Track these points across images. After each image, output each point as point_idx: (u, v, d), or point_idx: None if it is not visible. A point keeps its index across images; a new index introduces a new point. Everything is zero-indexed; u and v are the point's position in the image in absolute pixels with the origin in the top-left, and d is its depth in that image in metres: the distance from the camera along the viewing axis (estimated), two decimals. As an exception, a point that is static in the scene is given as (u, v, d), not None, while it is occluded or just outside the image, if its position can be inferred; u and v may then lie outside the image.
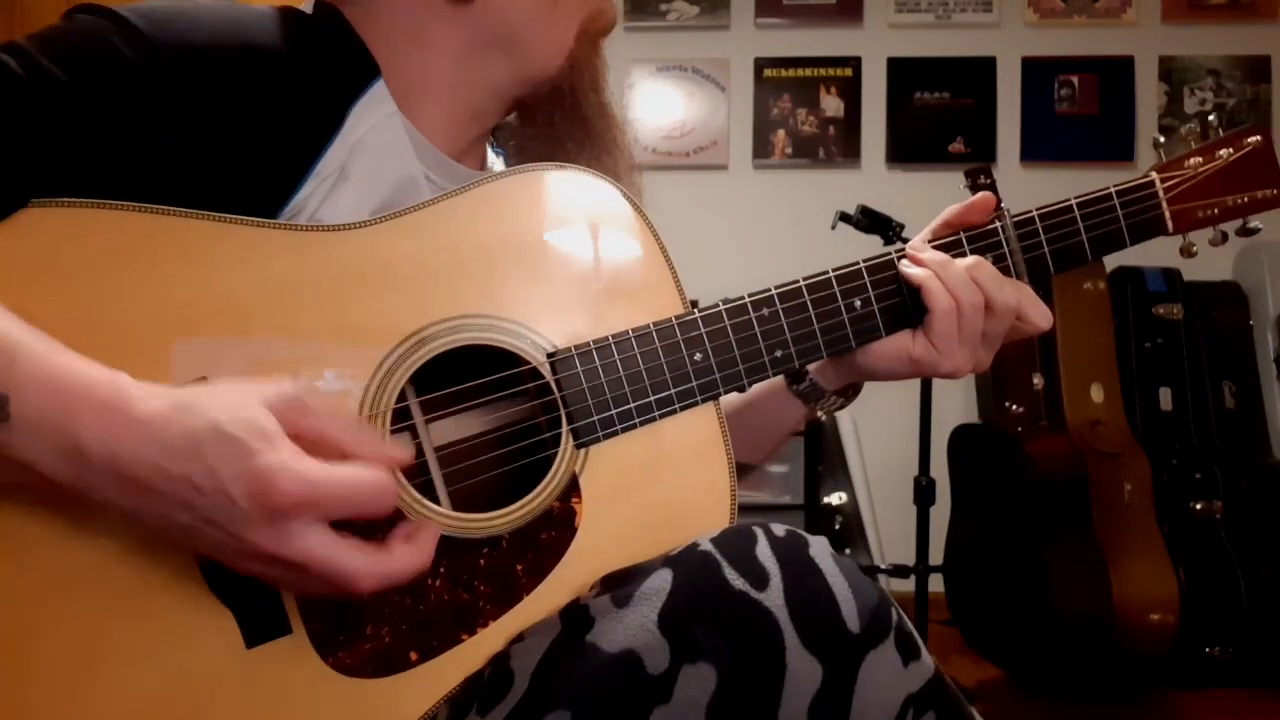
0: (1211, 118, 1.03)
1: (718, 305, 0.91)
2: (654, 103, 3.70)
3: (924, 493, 2.72)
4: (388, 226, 0.84)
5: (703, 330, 0.90)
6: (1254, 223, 1.01)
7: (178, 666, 0.75)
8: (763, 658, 0.73)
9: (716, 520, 0.85)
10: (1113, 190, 0.99)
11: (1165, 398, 3.00)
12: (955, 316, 0.93)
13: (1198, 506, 2.81)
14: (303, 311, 0.80)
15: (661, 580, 0.76)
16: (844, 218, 2.66)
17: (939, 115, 3.66)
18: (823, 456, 3.21)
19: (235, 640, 0.76)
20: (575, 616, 0.79)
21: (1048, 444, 2.82)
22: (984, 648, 2.92)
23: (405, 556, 0.73)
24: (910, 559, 2.73)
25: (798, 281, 0.93)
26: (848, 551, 3.10)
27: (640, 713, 0.73)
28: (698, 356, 0.89)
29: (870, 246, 2.57)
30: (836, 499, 3.22)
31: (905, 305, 0.95)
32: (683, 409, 0.89)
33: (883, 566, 2.88)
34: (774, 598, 0.74)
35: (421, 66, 0.93)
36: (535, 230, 0.88)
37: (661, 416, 0.88)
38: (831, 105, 3.70)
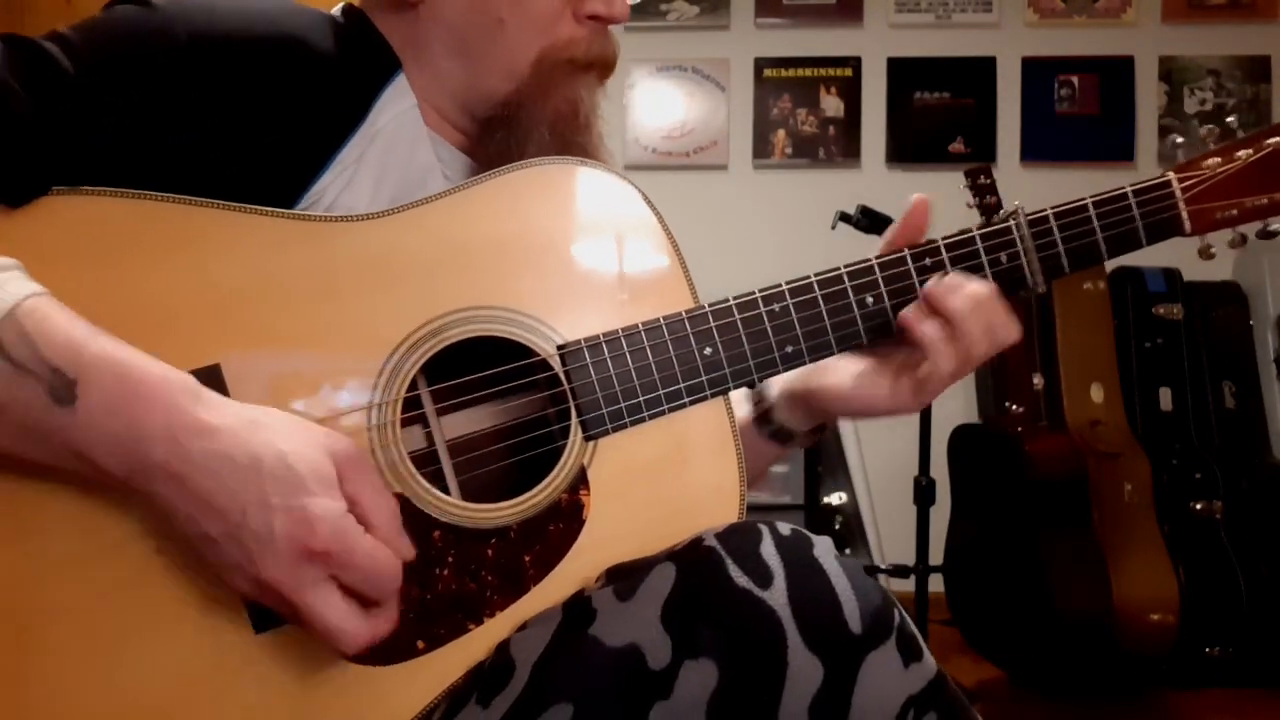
0: (1231, 119, 1.02)
1: (728, 300, 0.90)
2: (654, 103, 3.70)
3: (924, 493, 2.72)
4: (401, 218, 0.85)
5: (713, 325, 0.89)
6: (1275, 225, 0.99)
7: (186, 650, 0.76)
8: (764, 656, 0.73)
9: (724, 516, 0.85)
10: (1129, 190, 0.97)
11: (1165, 398, 3.00)
12: (950, 377, 0.91)
13: (1198, 506, 2.81)
14: (314, 301, 0.81)
15: (665, 575, 0.76)
16: (844, 218, 2.66)
17: (939, 115, 3.66)
18: (823, 456, 3.21)
19: (244, 625, 0.77)
20: (578, 609, 0.79)
21: (1048, 444, 2.82)
22: (984, 648, 2.92)
23: (388, 625, 0.74)
24: (910, 559, 2.73)
25: (809, 277, 0.92)
26: (848, 551, 3.10)
27: (641, 707, 0.74)
28: (707, 351, 0.89)
29: (870, 247, 2.57)
30: (836, 499, 3.21)
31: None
32: (692, 403, 0.88)
33: (883, 566, 2.88)
34: (777, 596, 0.74)
35: (410, 66, 0.94)
36: (547, 223, 0.88)
37: (670, 410, 0.88)
38: (831, 105, 3.70)
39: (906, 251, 0.94)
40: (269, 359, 0.80)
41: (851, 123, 3.69)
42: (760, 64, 3.72)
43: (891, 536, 3.16)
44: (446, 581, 0.81)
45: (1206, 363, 3.04)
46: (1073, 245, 0.97)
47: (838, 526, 3.17)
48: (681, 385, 0.88)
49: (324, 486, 0.70)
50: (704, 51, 3.72)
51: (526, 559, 0.83)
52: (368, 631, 0.72)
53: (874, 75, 3.69)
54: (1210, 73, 3.60)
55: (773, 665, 0.73)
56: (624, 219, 0.90)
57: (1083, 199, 0.97)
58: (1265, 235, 1.00)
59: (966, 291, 0.90)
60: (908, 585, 2.73)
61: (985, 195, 2.52)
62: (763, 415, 1.02)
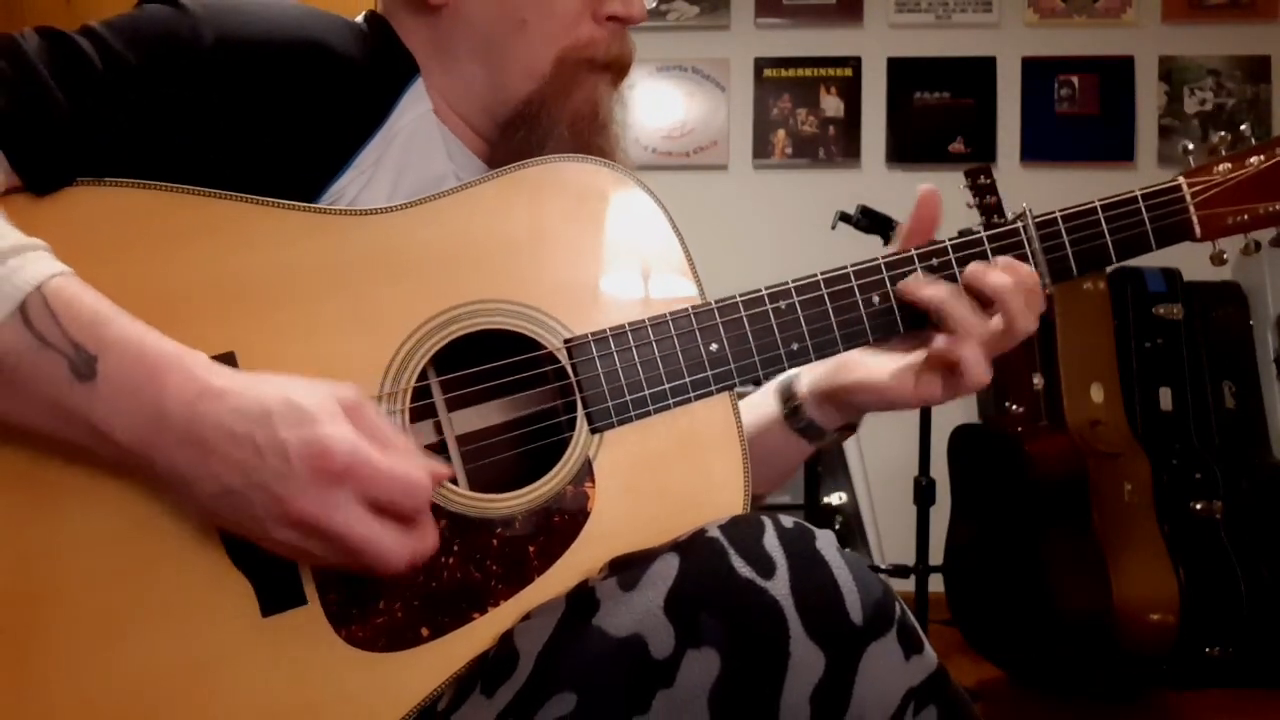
0: (1244, 127, 1.02)
1: (735, 297, 0.91)
2: (654, 103, 3.70)
3: (924, 493, 2.72)
4: (412, 212, 0.86)
5: (719, 321, 0.90)
6: None
7: (194, 631, 0.77)
8: (766, 645, 0.74)
9: (729, 511, 0.85)
10: (1138, 193, 0.97)
11: (1165, 398, 3.00)
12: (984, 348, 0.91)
13: (1198, 506, 2.81)
14: (327, 292, 0.83)
15: (668, 565, 0.77)
16: (844, 218, 2.66)
17: (939, 115, 3.66)
18: (823, 456, 3.20)
19: (251, 609, 0.78)
20: (581, 599, 0.79)
21: (1048, 444, 2.82)
22: (984, 647, 2.92)
23: (429, 540, 0.76)
24: (910, 559, 2.73)
25: (815, 275, 0.93)
26: (847, 551, 3.09)
27: (644, 696, 0.74)
28: (713, 347, 0.90)
29: (870, 247, 2.57)
30: (836, 499, 3.22)
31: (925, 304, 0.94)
32: (697, 398, 0.89)
33: (883, 566, 2.88)
34: (779, 587, 0.75)
35: (429, 70, 0.96)
36: (556, 220, 0.89)
37: (676, 405, 0.88)
38: (831, 105, 3.70)
39: (914, 252, 0.95)
40: (282, 348, 0.81)
41: (851, 123, 3.69)
42: (760, 64, 3.72)
43: (891, 536, 3.16)
44: (451, 570, 0.82)
45: (1206, 363, 3.04)
46: (1081, 248, 0.97)
47: (838, 526, 3.17)
48: (687, 380, 0.89)
49: (332, 418, 0.72)
50: (704, 51, 3.72)
51: (531, 549, 0.84)
52: (408, 546, 0.74)
53: (874, 75, 3.69)
54: (1210, 73, 3.61)
55: (775, 655, 0.74)
56: (632, 216, 0.91)
57: (1091, 202, 0.97)
58: (1279, 243, 1.00)
59: (1003, 266, 0.92)
60: (908, 585, 2.73)
61: (985, 195, 2.52)
62: (793, 411, 1.03)
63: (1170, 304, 3.03)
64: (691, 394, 0.89)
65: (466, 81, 0.97)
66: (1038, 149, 3.64)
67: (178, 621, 0.77)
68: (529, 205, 0.89)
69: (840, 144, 3.69)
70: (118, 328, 0.72)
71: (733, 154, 3.73)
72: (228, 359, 0.79)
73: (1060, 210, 0.97)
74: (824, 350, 0.93)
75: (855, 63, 3.70)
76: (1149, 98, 3.63)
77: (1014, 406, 2.92)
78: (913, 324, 0.94)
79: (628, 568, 0.79)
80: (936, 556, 2.81)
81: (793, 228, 3.52)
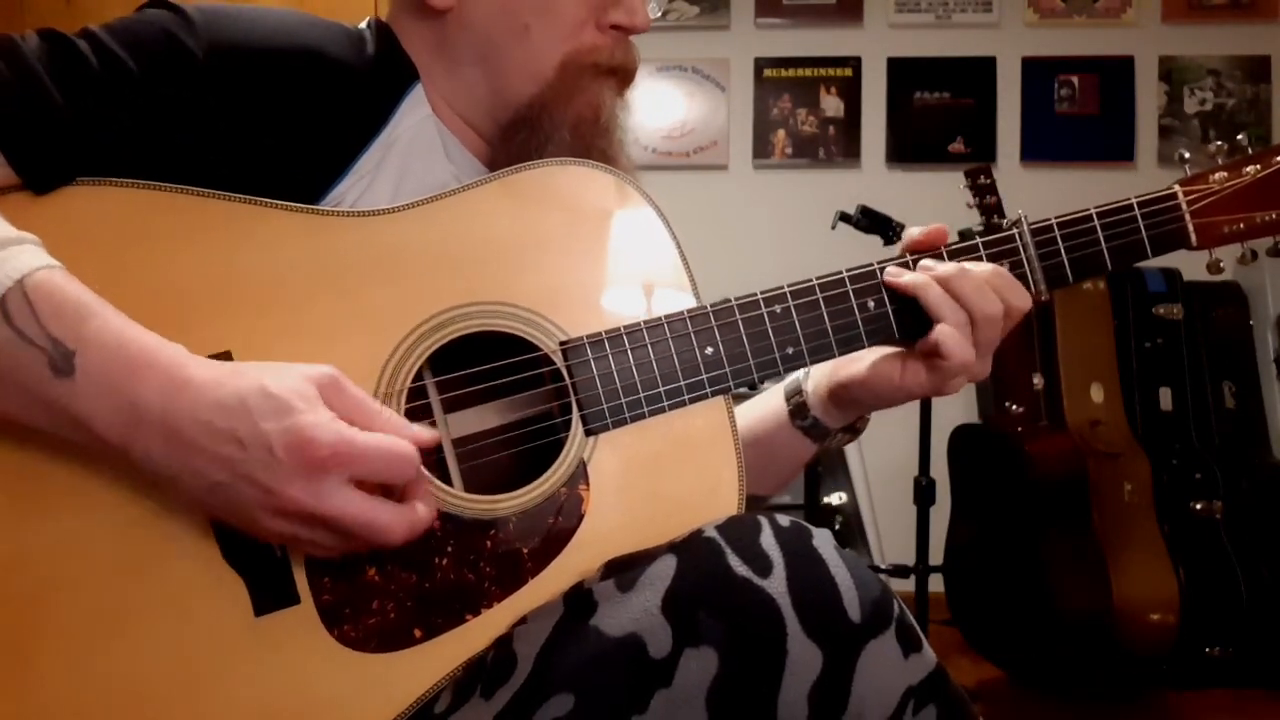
0: (1241, 136, 1.02)
1: (730, 301, 0.91)
2: (654, 103, 3.70)
3: (924, 493, 2.72)
4: (410, 214, 0.87)
5: (714, 324, 0.90)
6: None
7: (187, 630, 0.77)
8: (764, 644, 0.74)
9: (724, 513, 0.85)
10: (1134, 201, 0.98)
11: (1165, 398, 3.00)
12: (968, 330, 0.92)
13: (1198, 506, 2.80)
14: (322, 292, 0.83)
15: (665, 565, 0.77)
16: (844, 218, 2.66)
17: (939, 115, 3.66)
18: (822, 456, 3.20)
19: (245, 607, 0.78)
20: (578, 600, 0.79)
21: (1048, 444, 2.82)
22: (984, 648, 2.92)
23: (425, 509, 0.76)
24: (910, 559, 2.73)
25: (811, 280, 0.93)
26: (845, 550, 3.09)
27: (642, 696, 0.74)
28: (709, 350, 0.90)
29: (870, 246, 2.57)
30: (836, 499, 3.21)
31: (920, 310, 0.94)
32: (692, 401, 0.89)
33: (883, 566, 2.88)
34: (777, 585, 0.75)
35: (431, 74, 0.97)
36: (553, 222, 0.90)
37: (671, 408, 0.88)
38: (831, 105, 3.70)
39: (909, 257, 0.95)
40: (278, 348, 0.81)
41: (851, 123, 3.69)
42: (760, 64, 3.72)
43: (891, 536, 3.16)
44: (445, 571, 0.82)
45: (1206, 363, 3.04)
46: (1076, 255, 0.97)
47: (838, 526, 3.17)
48: (682, 383, 0.89)
49: (309, 404, 0.72)
50: (704, 51, 3.72)
51: (525, 551, 0.84)
52: (405, 518, 0.74)
53: (874, 75, 3.69)
54: (1210, 73, 3.61)
55: (773, 654, 0.74)
56: (629, 219, 0.92)
57: (1087, 210, 0.98)
58: (1277, 253, 1.00)
59: (968, 270, 0.93)
60: (908, 585, 2.73)
61: (985, 195, 2.52)
62: (798, 409, 1.04)
63: (1170, 304, 3.02)
64: (686, 396, 0.89)
65: (468, 84, 0.97)
66: (1038, 149, 3.64)
67: (171, 620, 0.77)
68: (526, 208, 0.89)
69: (840, 144, 3.69)
70: (98, 323, 0.72)
71: (733, 154, 3.73)
72: (224, 358, 0.79)
73: (1056, 217, 0.97)
74: (819, 354, 0.93)
75: (855, 63, 3.70)
76: (1149, 98, 3.62)
77: (1014, 406, 2.92)
78: (908, 329, 0.95)
79: (625, 569, 0.79)
80: (936, 556, 2.81)
81: (793, 228, 3.52)
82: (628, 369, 0.88)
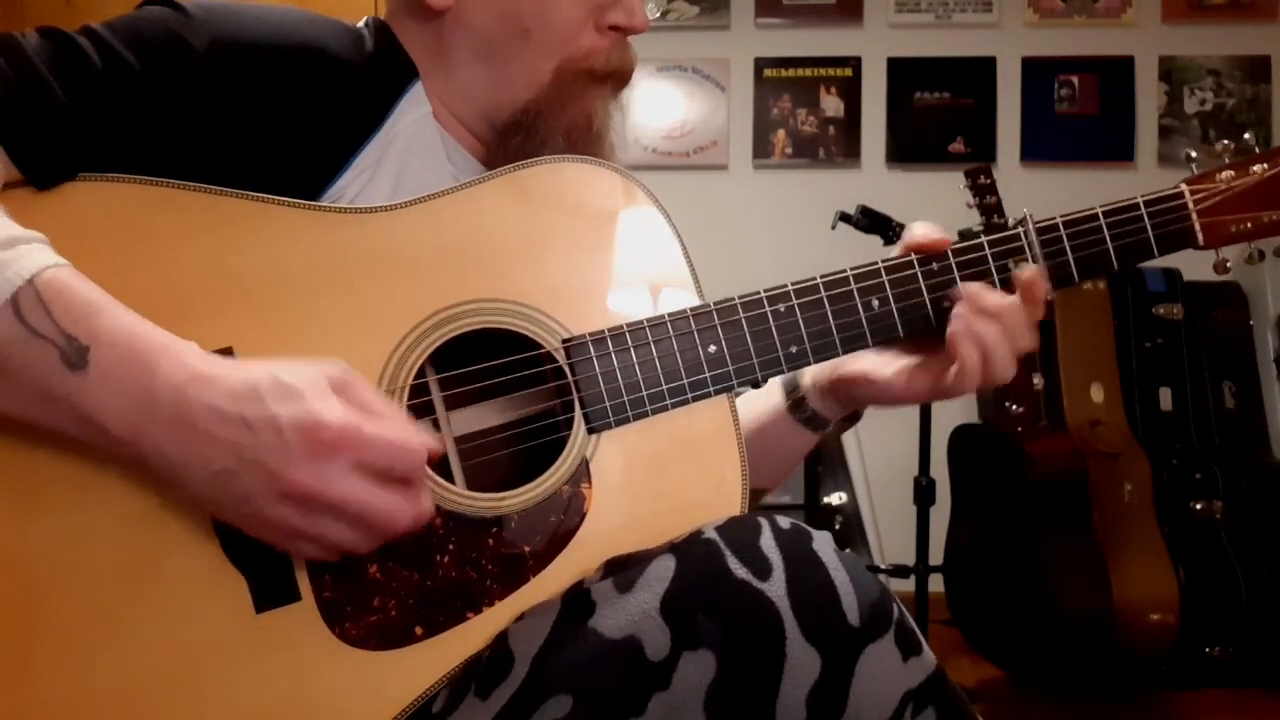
0: (1247, 135, 1.02)
1: (733, 300, 0.91)
2: (654, 103, 3.70)
3: (924, 493, 2.72)
4: (412, 211, 0.87)
5: (717, 323, 0.90)
6: None
7: (188, 627, 0.77)
8: (763, 647, 0.74)
9: (726, 513, 0.85)
10: (1140, 200, 0.97)
11: (1165, 398, 3.00)
12: (980, 368, 0.93)
13: (1198, 506, 2.80)
14: (326, 289, 0.83)
15: (664, 567, 0.77)
16: (844, 218, 2.66)
17: (939, 115, 3.66)
18: (823, 456, 3.20)
19: (245, 604, 0.78)
20: (577, 600, 0.79)
21: (1048, 444, 2.81)
22: (984, 648, 2.92)
23: (429, 501, 0.77)
24: (910, 559, 2.73)
25: (815, 279, 0.93)
26: (847, 551, 3.09)
27: (639, 698, 0.74)
28: (712, 349, 0.90)
29: (870, 246, 2.57)
30: (836, 499, 3.21)
31: (924, 309, 0.95)
32: (695, 399, 0.89)
33: (883, 566, 2.88)
34: (776, 588, 0.75)
35: (430, 74, 0.97)
36: (555, 219, 0.90)
37: (674, 406, 0.88)
38: (831, 105, 3.70)
39: (914, 256, 0.95)
40: (280, 344, 0.81)
41: (851, 123, 3.69)
42: (760, 64, 3.72)
43: (891, 536, 3.16)
44: (447, 569, 0.82)
45: (1206, 363, 3.04)
46: (1082, 254, 0.97)
47: (838, 526, 3.17)
48: (685, 381, 0.89)
49: (321, 393, 0.73)
50: (704, 51, 3.72)
51: (527, 549, 0.84)
52: (410, 507, 0.75)
53: (874, 75, 3.69)
54: (1210, 73, 3.60)
55: (771, 656, 0.74)
56: (632, 216, 0.92)
57: (1093, 209, 0.97)
58: None
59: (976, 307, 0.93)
60: (908, 585, 2.73)
61: (985, 195, 2.52)
62: (796, 402, 1.04)
63: (1170, 304, 3.02)
64: (689, 395, 0.89)
65: (466, 86, 0.97)
66: (1038, 149, 3.64)
67: (172, 617, 0.77)
68: (528, 205, 0.89)
69: (840, 144, 3.69)
70: (109, 318, 0.73)
71: (733, 154, 3.73)
72: (225, 354, 0.79)
73: (1061, 216, 0.97)
74: (822, 353, 0.93)
75: (855, 63, 3.69)
76: (1149, 98, 3.62)
77: (1014, 406, 2.91)
78: (912, 329, 0.95)
79: (624, 569, 0.79)
80: (936, 556, 2.81)
81: (793, 228, 3.52)
82: (630, 367, 0.88)
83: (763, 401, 1.07)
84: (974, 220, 2.48)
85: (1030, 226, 0.96)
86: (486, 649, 0.81)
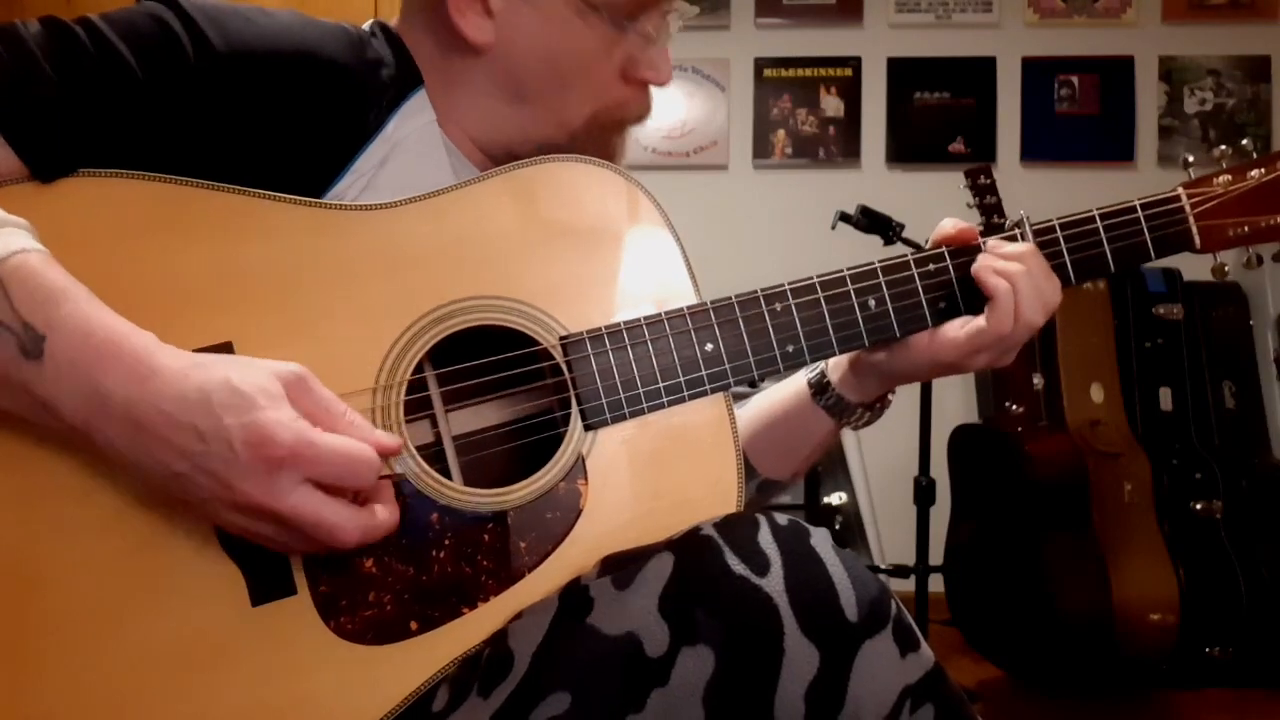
0: (1245, 141, 1.02)
1: (730, 298, 0.91)
2: (654, 103, 3.69)
3: (924, 493, 2.72)
4: (412, 208, 0.87)
5: (714, 322, 0.90)
6: None
7: (185, 619, 0.77)
8: (761, 642, 0.74)
9: (722, 511, 0.85)
10: (1137, 203, 0.98)
11: (1165, 398, 3.00)
12: (1011, 301, 0.93)
13: (1198, 506, 2.80)
14: (325, 285, 0.84)
15: (663, 563, 0.77)
16: (844, 218, 2.66)
17: (939, 115, 3.66)
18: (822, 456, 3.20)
19: (241, 597, 0.78)
20: (574, 597, 0.79)
21: (1048, 444, 2.82)
22: (984, 648, 2.92)
23: (385, 513, 0.77)
24: (910, 559, 2.73)
25: (812, 278, 0.93)
26: (844, 549, 3.09)
27: (639, 695, 0.74)
28: (708, 347, 0.90)
29: (870, 246, 2.57)
30: (836, 499, 3.21)
31: (921, 309, 0.95)
32: (691, 398, 0.89)
33: (883, 566, 2.88)
34: (774, 584, 0.75)
35: (446, 92, 0.97)
36: (554, 218, 0.90)
37: (670, 404, 0.89)
38: (831, 105, 3.70)
39: (910, 256, 0.95)
40: (279, 339, 0.82)
41: (851, 123, 3.69)
42: (760, 64, 3.72)
43: (891, 536, 3.16)
44: (442, 564, 0.82)
45: (1206, 363, 3.04)
46: (1079, 256, 0.97)
47: (838, 526, 3.17)
48: (682, 379, 0.89)
49: (272, 401, 0.72)
50: (704, 51, 3.72)
51: (522, 545, 0.84)
52: (360, 521, 0.75)
53: (874, 75, 3.69)
54: (1210, 73, 3.61)
55: (769, 652, 0.74)
56: (630, 215, 0.92)
57: (1090, 211, 0.97)
58: None
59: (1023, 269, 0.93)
60: (908, 585, 2.73)
61: (985, 195, 2.52)
62: (819, 386, 1.03)
63: (1170, 304, 3.02)
64: (685, 393, 0.89)
65: (491, 116, 0.98)
66: (1038, 149, 3.64)
67: (166, 612, 0.77)
68: (528, 203, 0.90)
69: (840, 144, 3.69)
70: (70, 308, 0.73)
71: (733, 154, 3.73)
72: (225, 349, 0.80)
73: (1058, 218, 0.97)
74: (819, 353, 0.93)
75: (855, 63, 3.70)
76: (1149, 98, 3.62)
77: (1014, 406, 2.92)
78: (908, 329, 0.95)
79: (622, 566, 0.79)
80: (936, 556, 2.81)
81: (793, 228, 3.52)
82: (627, 364, 0.88)
83: (786, 387, 1.07)
84: (974, 220, 2.47)
85: (1027, 228, 0.97)
86: (487, 649, 0.81)
